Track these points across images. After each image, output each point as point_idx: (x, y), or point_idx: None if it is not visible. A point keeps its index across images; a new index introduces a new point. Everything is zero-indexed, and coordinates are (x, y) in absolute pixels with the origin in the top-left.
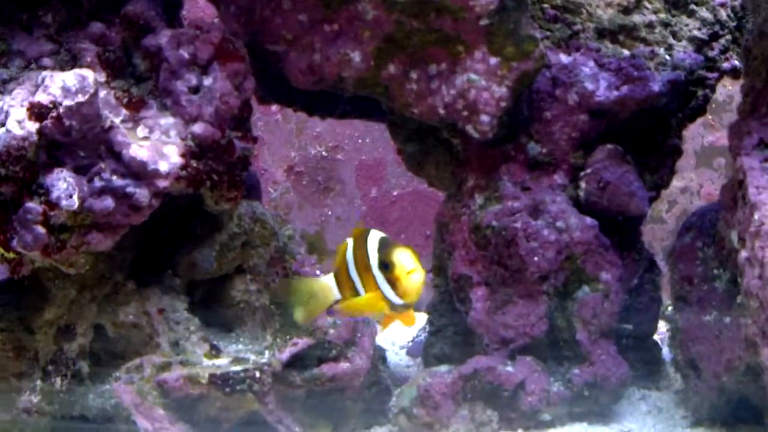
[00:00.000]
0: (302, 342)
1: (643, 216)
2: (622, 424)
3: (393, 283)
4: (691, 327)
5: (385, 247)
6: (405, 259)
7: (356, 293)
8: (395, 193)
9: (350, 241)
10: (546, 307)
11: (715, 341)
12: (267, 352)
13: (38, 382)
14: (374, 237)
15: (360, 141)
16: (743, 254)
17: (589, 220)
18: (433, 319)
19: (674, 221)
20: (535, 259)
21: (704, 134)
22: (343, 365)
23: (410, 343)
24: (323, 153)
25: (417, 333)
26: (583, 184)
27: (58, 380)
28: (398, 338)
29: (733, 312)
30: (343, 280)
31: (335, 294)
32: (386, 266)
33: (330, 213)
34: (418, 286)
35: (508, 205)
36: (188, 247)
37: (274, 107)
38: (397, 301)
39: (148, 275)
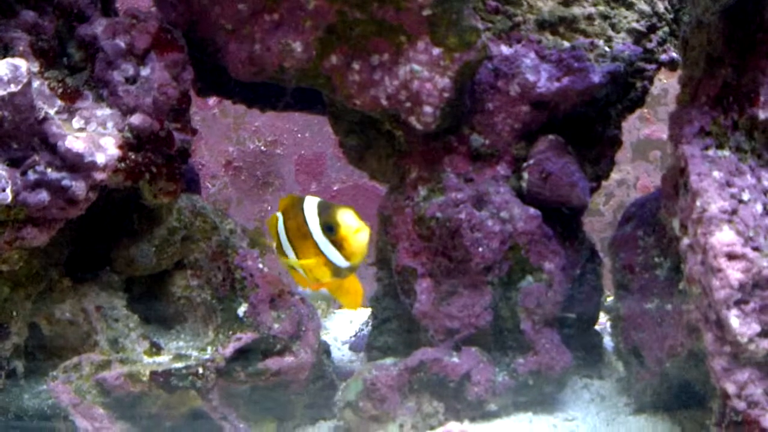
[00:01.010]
0: (246, 337)
1: (585, 206)
2: (567, 413)
3: (339, 244)
4: (632, 315)
5: (326, 209)
6: (349, 219)
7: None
8: (335, 188)
9: (279, 215)
10: (490, 298)
11: (657, 328)
12: (209, 348)
13: None
14: (311, 202)
15: (299, 135)
16: (685, 241)
17: (532, 210)
18: (377, 312)
19: (611, 214)
20: (480, 249)
21: (640, 127)
22: (288, 359)
23: (353, 338)
24: (262, 148)
25: (360, 327)
26: (525, 175)
27: None
28: (341, 334)
29: (675, 299)
30: (278, 252)
31: None
32: (330, 228)
33: (269, 208)
34: (365, 246)
35: (451, 196)
36: (125, 242)
37: (212, 101)
38: (343, 263)
39: (84, 272)
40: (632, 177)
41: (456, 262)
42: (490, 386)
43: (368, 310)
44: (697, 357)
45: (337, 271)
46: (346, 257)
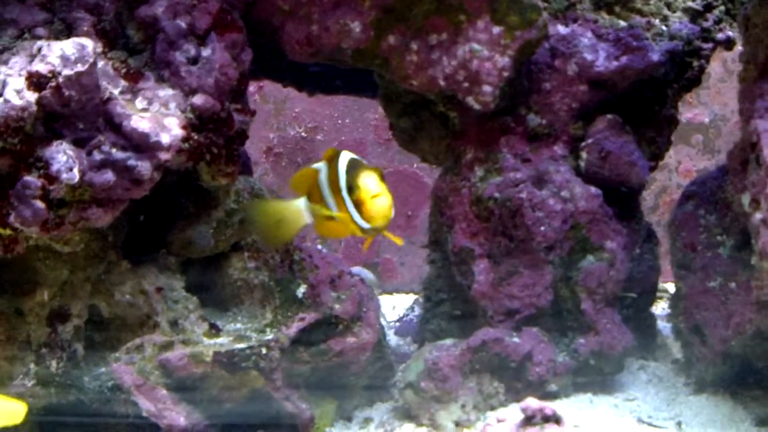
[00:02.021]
0: (309, 317)
1: (643, 185)
2: (626, 393)
3: (358, 207)
4: (695, 294)
5: (352, 169)
6: (369, 183)
7: (332, 216)
8: None
9: (323, 165)
10: (551, 277)
11: (722, 306)
12: (268, 329)
13: (32, 366)
14: (344, 158)
15: (339, 121)
16: (757, 216)
17: (593, 189)
18: (430, 295)
19: (653, 198)
20: (542, 228)
21: (682, 111)
22: (350, 340)
23: (397, 324)
24: (302, 134)
25: (405, 312)
26: (584, 155)
27: (53, 363)
28: (385, 318)
29: (741, 276)
30: (317, 202)
31: (306, 218)
32: (351, 189)
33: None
34: (383, 211)
35: (509, 176)
36: (182, 224)
37: (253, 87)
38: (365, 225)
39: (140, 254)
40: (674, 161)
41: (517, 242)
42: (551, 366)
43: (410, 297)
44: (764, 335)
45: (363, 230)
46: (366, 220)
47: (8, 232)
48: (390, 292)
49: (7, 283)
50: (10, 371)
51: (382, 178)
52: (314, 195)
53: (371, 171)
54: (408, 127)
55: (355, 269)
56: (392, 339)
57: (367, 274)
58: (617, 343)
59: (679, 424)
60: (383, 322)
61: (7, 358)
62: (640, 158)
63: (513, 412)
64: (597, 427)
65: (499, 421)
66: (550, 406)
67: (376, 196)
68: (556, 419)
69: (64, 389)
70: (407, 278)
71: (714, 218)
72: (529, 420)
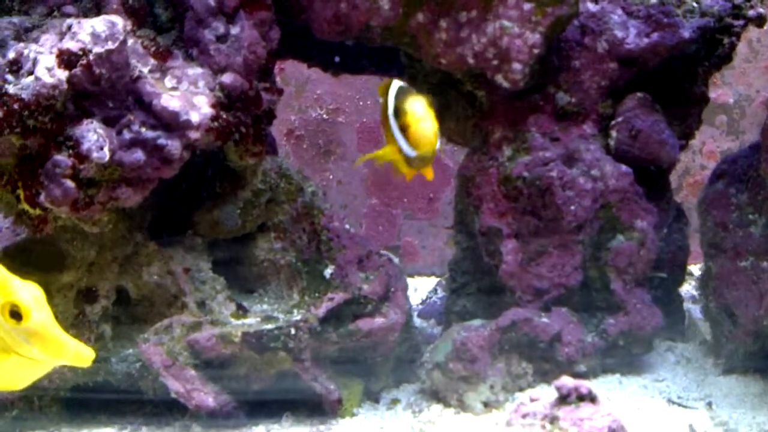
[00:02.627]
0: (338, 297)
1: (674, 164)
2: (656, 374)
3: (405, 131)
4: (726, 273)
5: (401, 94)
6: (417, 107)
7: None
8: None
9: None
10: (581, 257)
11: (753, 286)
12: (295, 310)
13: None
14: (394, 86)
15: (361, 103)
16: None
17: (624, 167)
18: (455, 276)
19: (676, 180)
20: (572, 208)
21: None
22: (379, 320)
23: (421, 306)
24: (324, 116)
25: (428, 295)
26: (614, 133)
27: None
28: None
29: None
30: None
31: None
32: (398, 114)
33: (331, 177)
34: (429, 136)
35: (539, 155)
36: (209, 205)
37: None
38: (411, 152)
39: (167, 235)
40: (698, 142)
41: (546, 221)
42: (580, 347)
43: (431, 280)
44: None
45: (409, 161)
46: (412, 146)
47: (38, 211)
48: (411, 275)
49: (35, 264)
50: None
51: (431, 104)
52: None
53: (419, 96)
54: (434, 107)
55: None
56: (416, 321)
57: (389, 257)
58: (647, 324)
59: (709, 404)
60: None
61: None
62: (671, 137)
63: (544, 392)
64: (628, 407)
65: (532, 400)
66: (586, 385)
67: (422, 119)
68: (591, 398)
69: (91, 370)
70: (429, 261)
71: (746, 197)
72: (564, 399)
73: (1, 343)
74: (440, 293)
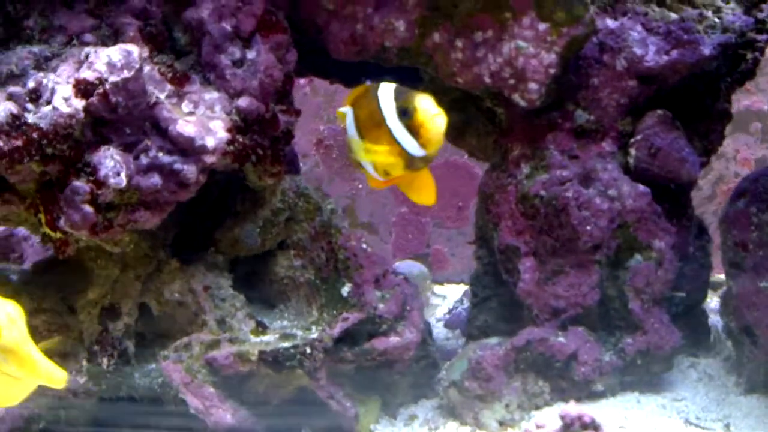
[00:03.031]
0: (353, 317)
1: (694, 182)
2: (675, 393)
3: (415, 130)
4: (746, 293)
5: (403, 93)
6: (428, 104)
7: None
8: None
9: (348, 109)
10: (598, 277)
11: None
12: (314, 327)
13: (84, 363)
14: (387, 87)
15: None
16: None
17: (641, 187)
18: (477, 291)
19: (710, 187)
20: (588, 228)
21: (740, 98)
22: (394, 339)
23: (447, 316)
24: None
25: (454, 305)
26: (633, 151)
27: (105, 360)
28: (436, 311)
29: None
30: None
31: None
32: (406, 112)
33: (360, 186)
34: (442, 132)
35: (556, 174)
36: (229, 223)
37: (302, 80)
38: (418, 152)
39: (189, 253)
40: (731, 150)
41: (562, 241)
42: (597, 366)
43: (461, 288)
44: None
45: (410, 162)
46: (423, 144)
47: (59, 235)
48: (441, 283)
49: (60, 282)
50: (64, 367)
51: (437, 102)
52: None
53: (423, 93)
54: (455, 122)
55: (407, 263)
56: (442, 332)
57: (419, 267)
58: (665, 343)
59: (727, 426)
60: (430, 318)
61: (61, 354)
62: (691, 154)
63: (553, 418)
64: (644, 428)
65: (538, 427)
66: (589, 414)
67: (437, 115)
68: (594, 427)
69: (115, 384)
70: (458, 268)
71: (766, 216)
72: (567, 427)
73: None
74: (466, 303)
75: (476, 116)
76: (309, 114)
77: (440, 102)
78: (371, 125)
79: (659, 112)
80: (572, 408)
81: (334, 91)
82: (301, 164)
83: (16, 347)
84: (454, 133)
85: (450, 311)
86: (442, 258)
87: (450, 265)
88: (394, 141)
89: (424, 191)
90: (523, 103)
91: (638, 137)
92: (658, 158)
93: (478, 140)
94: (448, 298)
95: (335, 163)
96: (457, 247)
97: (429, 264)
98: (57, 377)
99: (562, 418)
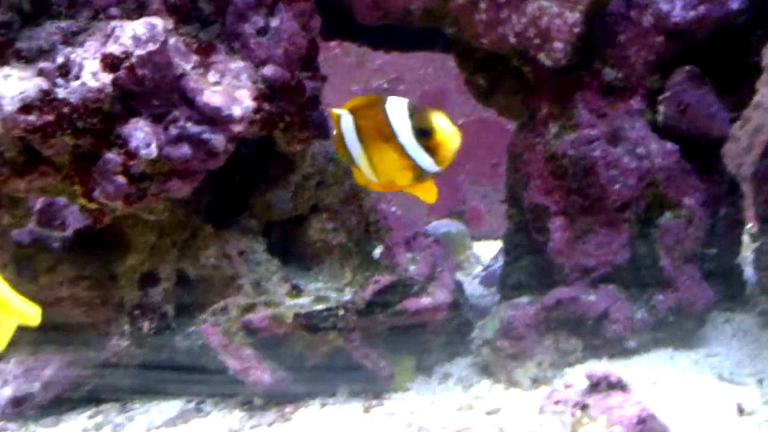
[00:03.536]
0: (384, 279)
1: (725, 138)
2: (708, 348)
3: (432, 149)
4: None
5: (418, 112)
6: (445, 124)
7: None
8: (459, 122)
9: (344, 113)
10: (627, 235)
11: None
12: (347, 289)
13: (126, 327)
14: (398, 103)
15: (421, 71)
16: None
17: (670, 145)
18: (509, 250)
19: (747, 138)
20: (616, 187)
21: None
22: (425, 300)
23: (483, 273)
24: (385, 85)
25: (489, 262)
26: (661, 108)
27: (145, 324)
28: (473, 269)
29: None
30: (339, 151)
31: None
32: (424, 133)
33: None
34: (456, 151)
35: (584, 133)
36: (262, 188)
37: (332, 42)
38: (432, 168)
39: (223, 218)
40: None
41: (591, 200)
42: (628, 324)
43: (498, 244)
44: None
45: (420, 175)
46: (438, 162)
47: (94, 205)
48: (478, 239)
49: (100, 250)
50: (107, 332)
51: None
52: (338, 143)
53: (438, 111)
54: (483, 82)
55: (444, 222)
56: (477, 289)
57: (457, 225)
58: (697, 300)
59: (760, 381)
60: (467, 276)
61: (104, 320)
62: (721, 110)
63: (581, 378)
64: (676, 384)
65: (566, 386)
66: (616, 373)
67: (454, 135)
68: (621, 386)
69: (156, 348)
70: (494, 225)
71: None
72: (594, 387)
73: None
74: (501, 260)
75: (504, 75)
76: (341, 75)
77: (468, 62)
78: (377, 137)
79: (687, 68)
80: (598, 368)
81: (364, 53)
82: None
83: None
84: (483, 93)
85: (485, 268)
86: (479, 215)
87: (486, 222)
88: (405, 156)
89: (428, 193)
90: (548, 63)
91: (667, 94)
92: (687, 115)
93: (507, 99)
94: (484, 255)
95: None
96: (493, 204)
97: (466, 221)
98: (30, 313)
99: (589, 377)
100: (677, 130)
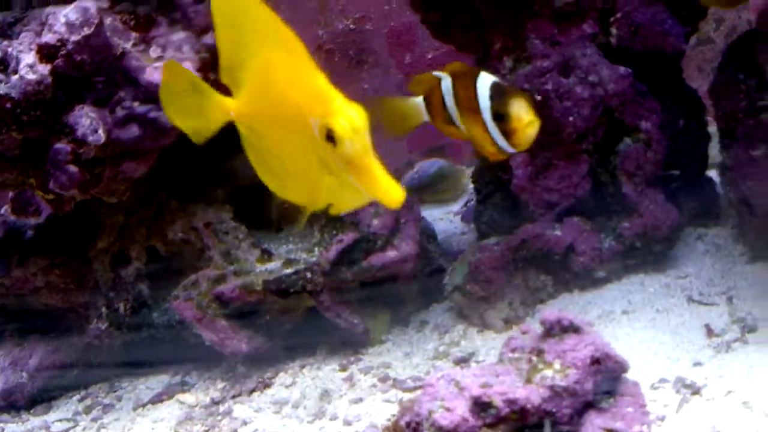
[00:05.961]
0: (347, 237)
1: (681, 54)
2: (679, 270)
3: (508, 134)
4: (739, 163)
5: (499, 95)
6: (522, 111)
7: (451, 125)
8: (430, 56)
9: (445, 76)
10: (587, 166)
11: (766, 176)
12: (317, 249)
13: (103, 309)
14: (485, 81)
15: (386, 7)
16: None
17: (622, 69)
18: (480, 188)
19: (723, 40)
20: (570, 119)
21: None
22: (390, 254)
23: (464, 209)
24: (350, 26)
25: (467, 198)
26: (614, 30)
27: (121, 305)
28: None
29: None
30: (436, 110)
31: (425, 116)
32: (501, 117)
33: (366, 86)
34: (533, 137)
35: (537, 65)
36: (226, 155)
37: None
38: (509, 149)
39: (190, 191)
40: None
41: (548, 134)
42: (596, 254)
43: None
44: None
45: (501, 151)
46: (514, 145)
47: (51, 196)
48: None
49: (71, 235)
50: (86, 316)
51: (531, 101)
52: (434, 100)
53: (520, 96)
54: (439, 19)
55: (431, 161)
56: (458, 226)
57: (443, 163)
58: (662, 223)
59: (730, 299)
60: (447, 211)
61: (81, 304)
62: (675, 26)
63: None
64: (646, 311)
65: (523, 332)
66: (568, 317)
67: (529, 123)
68: (574, 329)
69: (136, 327)
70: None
71: (754, 82)
72: (548, 332)
73: (323, 162)
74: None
75: (459, 11)
76: (305, 20)
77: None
78: (469, 107)
79: None
80: (551, 314)
81: None
82: None
83: (356, 160)
84: (439, 31)
85: (465, 204)
86: (458, 149)
87: (467, 156)
88: (487, 130)
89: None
90: None
91: (618, 15)
92: (639, 35)
93: (463, 35)
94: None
95: (338, 66)
96: None
97: (446, 155)
98: (393, 196)
99: (542, 323)
100: (631, 50)
